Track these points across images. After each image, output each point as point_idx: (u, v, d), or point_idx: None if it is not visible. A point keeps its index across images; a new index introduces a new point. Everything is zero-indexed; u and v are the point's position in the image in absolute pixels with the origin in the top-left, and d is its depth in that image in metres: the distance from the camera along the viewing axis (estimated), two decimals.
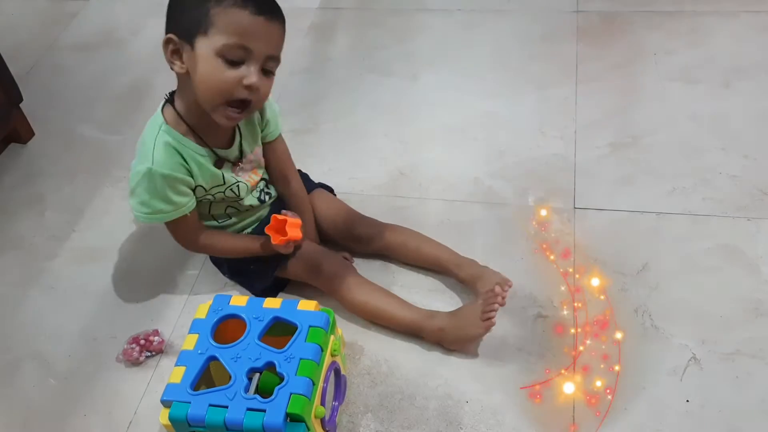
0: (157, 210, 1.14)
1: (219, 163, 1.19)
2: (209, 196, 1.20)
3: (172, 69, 1.10)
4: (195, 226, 1.22)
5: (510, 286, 1.18)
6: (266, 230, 1.21)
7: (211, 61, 1.04)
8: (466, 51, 1.84)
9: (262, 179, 1.29)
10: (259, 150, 1.26)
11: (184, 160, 1.13)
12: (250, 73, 1.05)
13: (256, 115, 1.23)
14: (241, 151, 1.22)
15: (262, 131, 1.25)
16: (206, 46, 1.04)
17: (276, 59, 1.09)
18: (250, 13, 1.02)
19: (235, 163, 1.22)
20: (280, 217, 1.20)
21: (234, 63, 1.05)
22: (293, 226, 1.19)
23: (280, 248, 1.21)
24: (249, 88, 1.06)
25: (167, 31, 1.08)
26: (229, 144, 1.20)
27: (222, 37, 1.03)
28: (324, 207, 1.36)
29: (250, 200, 1.27)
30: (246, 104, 1.09)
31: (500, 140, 1.57)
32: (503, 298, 1.15)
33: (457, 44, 1.86)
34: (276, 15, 1.06)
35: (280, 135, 1.29)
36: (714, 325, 1.19)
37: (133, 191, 1.14)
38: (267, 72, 1.09)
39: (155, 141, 1.12)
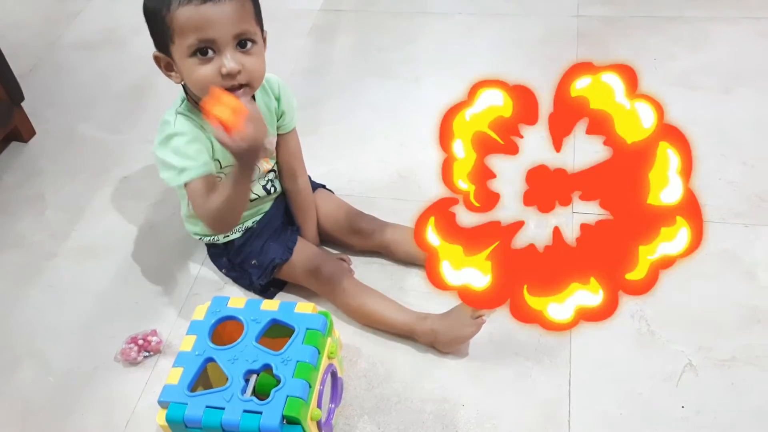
0: (184, 168, 1.10)
1: None
2: (221, 175, 1.20)
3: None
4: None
5: None
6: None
7: (187, 65, 1.06)
8: (466, 54, 1.84)
9: (271, 170, 1.30)
10: (273, 140, 1.27)
11: (204, 132, 1.14)
12: (223, 62, 1.04)
13: (273, 104, 1.23)
14: None
15: (278, 121, 1.25)
16: (178, 53, 1.05)
17: (247, 33, 1.05)
18: (196, 5, 1.01)
19: None
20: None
21: (206, 58, 1.04)
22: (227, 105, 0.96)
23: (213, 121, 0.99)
24: (230, 75, 1.05)
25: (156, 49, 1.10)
26: None
27: (184, 39, 1.03)
28: (325, 204, 1.37)
29: (256, 188, 1.28)
30: (240, 86, 1.07)
31: None
32: None
33: (458, 47, 1.87)
34: None
35: (294, 129, 1.29)
36: (710, 331, 1.19)
37: (163, 163, 1.12)
38: (247, 48, 1.06)
39: (176, 116, 1.13)
